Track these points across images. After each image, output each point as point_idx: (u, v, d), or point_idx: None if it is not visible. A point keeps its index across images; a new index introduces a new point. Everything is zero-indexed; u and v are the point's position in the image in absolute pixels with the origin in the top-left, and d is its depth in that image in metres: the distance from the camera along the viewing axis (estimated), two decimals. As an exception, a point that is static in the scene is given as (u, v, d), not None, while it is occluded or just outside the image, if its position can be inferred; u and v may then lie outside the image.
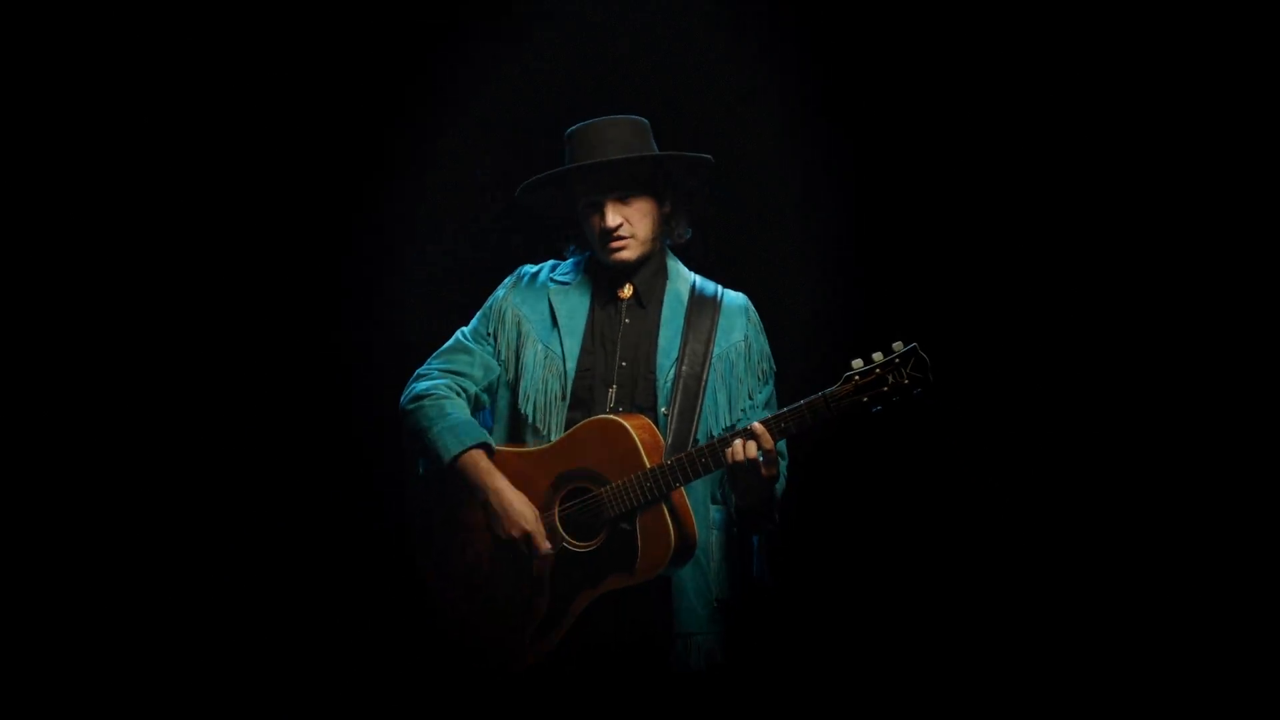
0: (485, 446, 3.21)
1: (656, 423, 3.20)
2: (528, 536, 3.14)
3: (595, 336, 3.30)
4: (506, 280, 3.42)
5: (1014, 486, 4.19)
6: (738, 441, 3.04)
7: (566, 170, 3.27)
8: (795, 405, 3.02)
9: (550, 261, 3.45)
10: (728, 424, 3.22)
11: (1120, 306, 4.17)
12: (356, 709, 4.33)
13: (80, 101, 4.37)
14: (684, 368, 3.25)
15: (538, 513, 3.16)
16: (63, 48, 4.36)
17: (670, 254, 3.38)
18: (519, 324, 3.34)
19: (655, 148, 3.31)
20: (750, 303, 3.38)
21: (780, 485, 3.23)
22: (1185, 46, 4.03)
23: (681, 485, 3.10)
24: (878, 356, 2.99)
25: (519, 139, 4.16)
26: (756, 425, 3.03)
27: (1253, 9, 3.95)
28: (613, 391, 3.26)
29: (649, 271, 3.31)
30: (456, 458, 3.19)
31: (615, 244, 3.23)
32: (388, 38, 4.36)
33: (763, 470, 3.04)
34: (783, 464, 3.25)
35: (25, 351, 4.41)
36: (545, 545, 3.14)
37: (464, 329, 3.40)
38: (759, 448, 3.01)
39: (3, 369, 4.38)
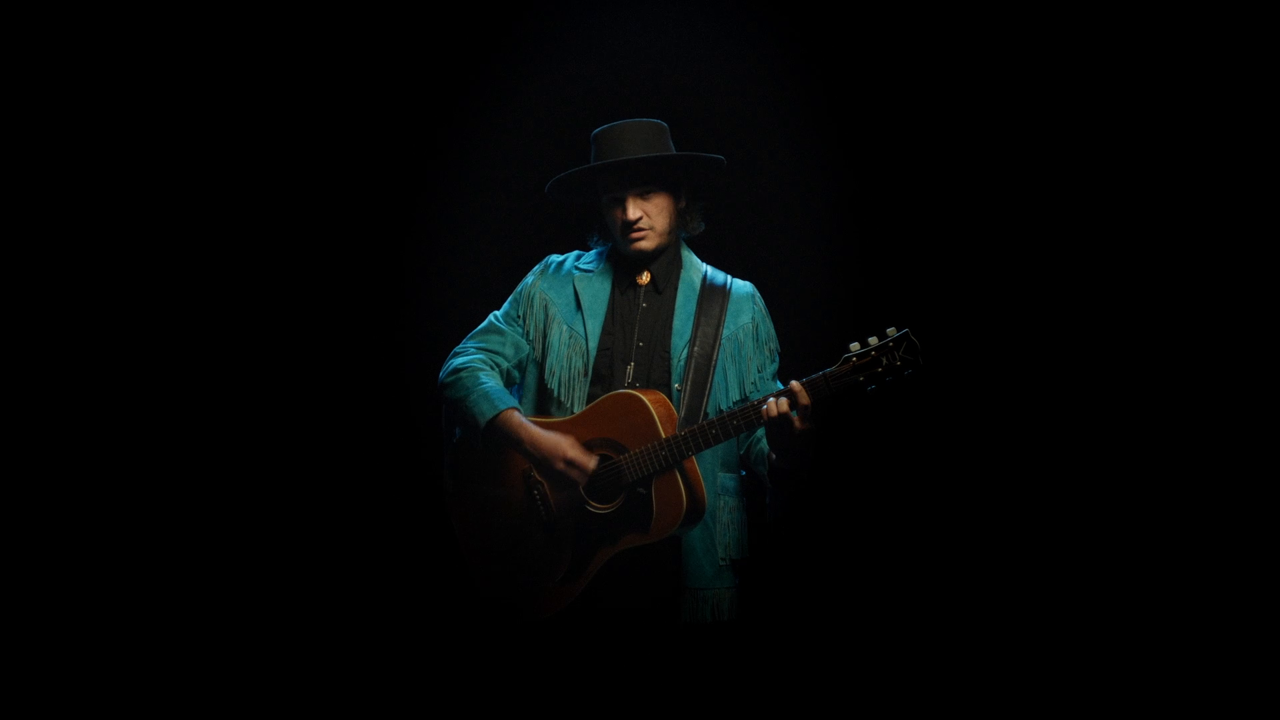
0: (516, 410, 3.35)
1: (670, 397, 3.34)
2: (571, 461, 3.26)
3: (615, 319, 3.43)
4: (535, 268, 3.56)
5: (1003, 462, 4.27)
6: (771, 400, 3.14)
7: (593, 168, 3.40)
8: (807, 379, 3.14)
9: (575, 251, 3.58)
10: (736, 399, 3.35)
11: (1105, 293, 4.25)
12: (394, 653, 4.41)
13: (148, 106, 4.48)
14: (696, 348, 3.38)
15: (573, 440, 3.28)
16: (131, 53, 4.44)
17: (685, 246, 3.52)
18: (546, 307, 3.48)
19: (673, 148, 3.45)
20: (757, 290, 3.51)
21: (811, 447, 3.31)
22: (1163, 35, 4.09)
23: (693, 454, 3.23)
24: (873, 340, 3.13)
25: (550, 140, 4.21)
26: (795, 384, 3.12)
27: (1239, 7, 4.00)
28: (631, 369, 3.40)
29: (665, 261, 3.45)
30: (492, 419, 3.32)
31: (635, 235, 3.37)
32: (443, 55, 4.46)
33: (797, 425, 3.14)
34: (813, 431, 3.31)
35: (87, 337, 4.49)
36: (589, 463, 3.26)
37: (496, 312, 3.54)
38: (795, 403, 3.12)
39: (48, 368, 4.43)
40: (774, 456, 3.30)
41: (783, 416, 3.13)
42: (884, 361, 3.10)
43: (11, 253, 4.43)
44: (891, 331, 3.12)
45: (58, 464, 4.45)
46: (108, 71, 4.44)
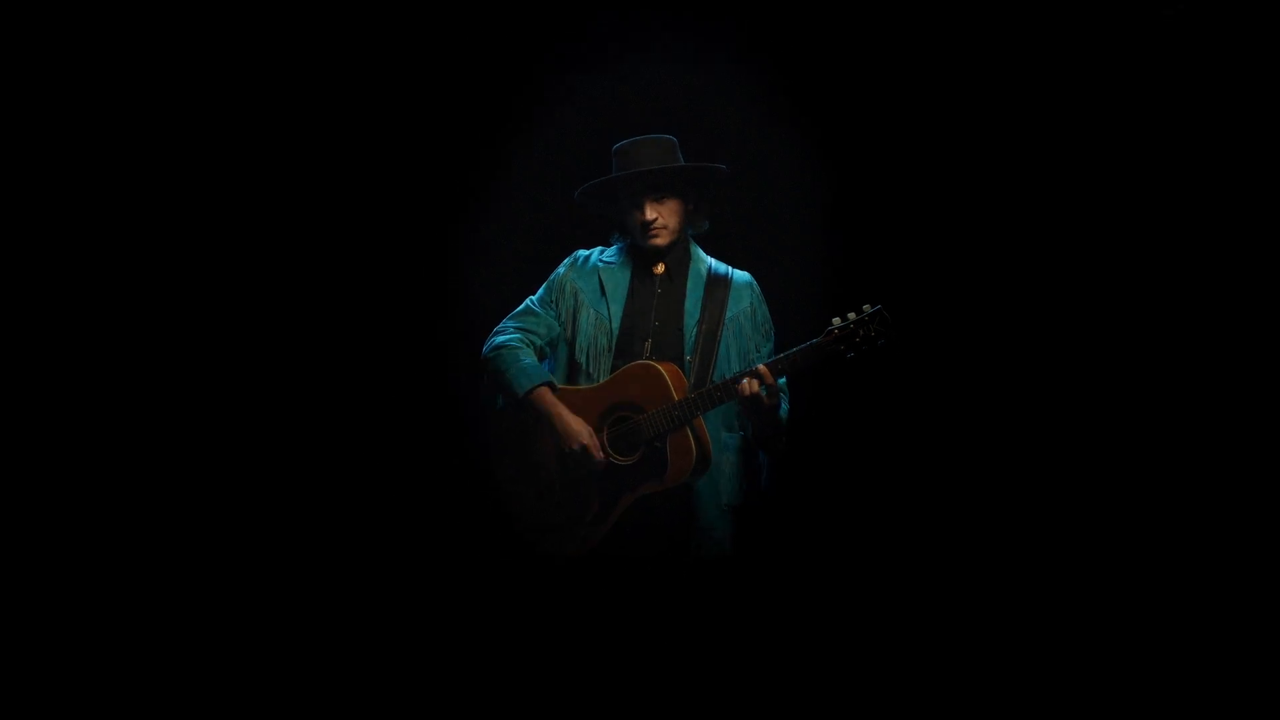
0: (550, 384, 3.62)
1: (682, 368, 3.62)
2: (584, 448, 3.55)
3: (635, 303, 3.70)
4: (566, 260, 3.82)
5: (979, 423, 4.44)
6: (745, 379, 3.42)
7: (615, 178, 3.69)
8: (789, 352, 3.45)
9: (599, 247, 3.84)
10: (737, 369, 3.59)
11: (1073, 275, 4.38)
12: (442, 591, 4.58)
13: (203, 109, 4.59)
14: (704, 327, 3.65)
15: (592, 430, 3.57)
16: (175, 55, 4.54)
17: (693, 242, 3.79)
18: (575, 294, 3.75)
19: (682, 159, 3.72)
20: (754, 279, 3.78)
21: (784, 413, 3.60)
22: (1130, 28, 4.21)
23: (701, 414, 3.52)
24: (852, 315, 3.40)
25: (577, 152, 4.37)
26: (760, 366, 3.44)
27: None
28: (648, 344, 3.67)
29: (677, 254, 3.73)
30: (529, 392, 3.61)
31: (652, 233, 3.66)
32: (490, 80, 4.66)
33: (765, 401, 3.45)
34: (784, 398, 3.62)
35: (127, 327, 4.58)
36: (598, 455, 3.56)
37: (532, 297, 3.80)
38: (762, 384, 3.43)
39: (77, 366, 4.52)
40: (744, 430, 3.60)
41: (754, 395, 3.42)
42: (861, 333, 3.37)
43: (66, 248, 4.50)
44: (867, 308, 3.39)
45: (94, 450, 4.52)
46: (170, 83, 4.54)
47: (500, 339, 3.74)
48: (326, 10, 4.56)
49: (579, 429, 3.59)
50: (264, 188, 4.68)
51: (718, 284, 3.74)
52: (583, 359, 3.71)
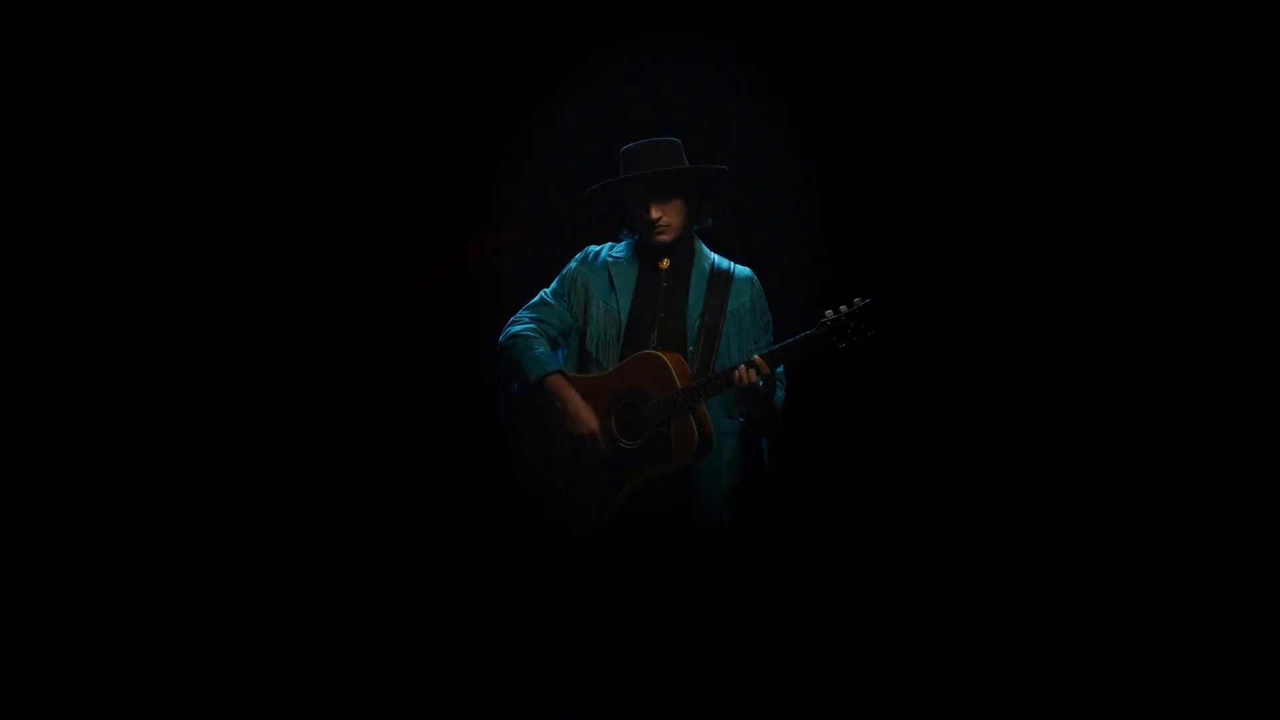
0: (562, 372, 3.73)
1: (686, 358, 3.71)
2: (592, 435, 3.67)
3: (642, 296, 3.79)
4: (577, 256, 3.91)
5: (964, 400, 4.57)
6: (742, 367, 3.53)
7: (622, 180, 3.80)
8: (784, 342, 3.57)
9: (608, 243, 3.93)
10: (738, 359, 3.64)
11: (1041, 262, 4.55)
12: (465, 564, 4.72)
13: (238, 109, 4.76)
14: (706, 319, 3.75)
15: (598, 419, 3.67)
16: (211, 58, 4.70)
17: (697, 238, 3.87)
18: (586, 287, 3.84)
19: (686, 160, 3.82)
20: (754, 274, 3.86)
21: (779, 400, 3.70)
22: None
23: (703, 401, 3.63)
24: (843, 309, 3.50)
25: (587, 154, 4.44)
26: (758, 356, 3.54)
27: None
28: (655, 335, 3.77)
29: (682, 250, 3.82)
30: (542, 379, 3.71)
31: (658, 230, 3.76)
32: (499, 94, 4.82)
33: (763, 388, 3.55)
34: (780, 386, 3.72)
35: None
36: (602, 444, 3.68)
37: (545, 290, 3.89)
38: (760, 372, 3.53)
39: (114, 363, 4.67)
40: (743, 416, 3.68)
41: (752, 383, 3.52)
42: (852, 325, 3.48)
43: (89, 246, 4.65)
44: (857, 301, 3.49)
45: (120, 433, 4.67)
46: (204, 92, 4.70)
47: (516, 329, 3.85)
48: (340, 19, 4.71)
49: (587, 417, 3.70)
50: (283, 188, 4.85)
51: (720, 279, 3.83)
52: (593, 348, 3.81)
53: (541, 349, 3.79)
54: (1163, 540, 4.33)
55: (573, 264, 3.94)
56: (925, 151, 4.61)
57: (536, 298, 3.93)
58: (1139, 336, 4.40)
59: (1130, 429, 4.39)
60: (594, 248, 3.96)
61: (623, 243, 3.94)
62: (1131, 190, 4.40)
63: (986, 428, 4.56)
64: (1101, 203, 4.44)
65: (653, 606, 3.72)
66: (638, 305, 3.82)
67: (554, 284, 3.94)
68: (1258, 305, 4.27)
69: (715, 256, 3.90)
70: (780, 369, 3.73)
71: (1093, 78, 4.38)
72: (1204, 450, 4.31)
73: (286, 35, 4.70)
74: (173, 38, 4.63)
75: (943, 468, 4.61)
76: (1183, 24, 4.16)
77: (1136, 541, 4.37)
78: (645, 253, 3.87)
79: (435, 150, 4.84)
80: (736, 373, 3.56)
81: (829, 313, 3.55)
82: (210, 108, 4.72)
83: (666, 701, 3.73)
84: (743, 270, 3.88)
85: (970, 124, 4.54)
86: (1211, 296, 4.33)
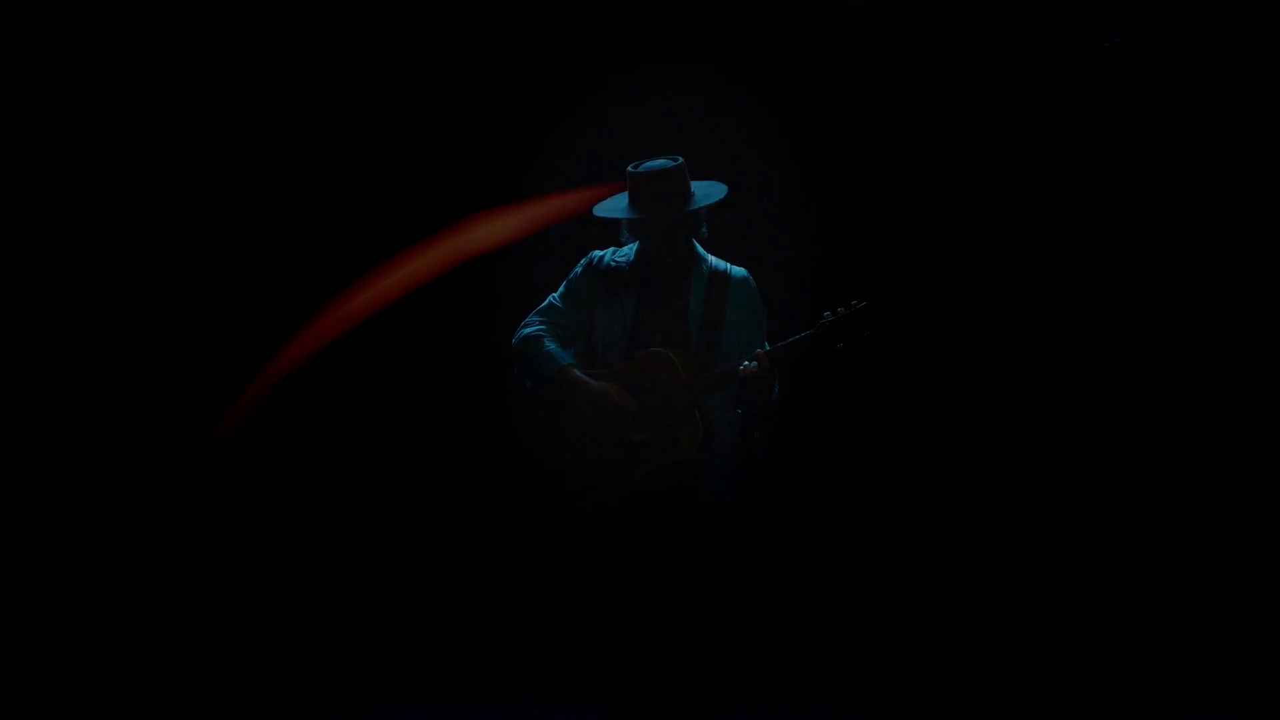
0: (574, 367, 3.85)
1: (689, 356, 3.84)
2: (617, 391, 3.77)
3: (645, 298, 3.91)
4: (582, 260, 4.02)
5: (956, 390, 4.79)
6: (744, 366, 3.68)
7: (629, 220, 3.92)
8: (784, 342, 3.71)
9: (612, 248, 4.04)
10: (737, 357, 3.80)
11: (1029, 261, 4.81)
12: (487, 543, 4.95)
13: (256, 110, 5.00)
14: (707, 319, 3.87)
15: (616, 386, 3.78)
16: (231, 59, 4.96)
17: (697, 244, 3.98)
18: (592, 291, 3.95)
19: (688, 177, 3.90)
20: (751, 276, 3.97)
21: (776, 394, 3.81)
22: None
23: (705, 396, 3.77)
24: (841, 310, 3.64)
25: (593, 171, 4.72)
26: (758, 353, 3.70)
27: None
28: (658, 335, 3.89)
29: (682, 254, 3.93)
30: (557, 372, 3.84)
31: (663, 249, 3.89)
32: (527, 113, 5.05)
33: (761, 384, 3.69)
34: (777, 383, 3.81)
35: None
36: (627, 400, 3.78)
37: (554, 294, 4.01)
38: (759, 369, 3.68)
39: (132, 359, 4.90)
40: (740, 409, 3.82)
41: (752, 376, 3.66)
42: (850, 326, 3.64)
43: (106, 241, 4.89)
44: (855, 303, 3.65)
45: (136, 421, 4.90)
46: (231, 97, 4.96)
47: (527, 330, 3.99)
48: (359, 29, 5.00)
49: (604, 389, 3.84)
50: (283, 188, 5.09)
51: (719, 281, 3.95)
52: (600, 349, 3.96)
53: (552, 346, 3.92)
54: (1156, 533, 4.56)
55: (578, 269, 4.04)
56: (920, 160, 4.84)
57: (545, 302, 4.04)
58: (1132, 336, 4.60)
59: (1123, 425, 4.59)
60: (598, 252, 4.06)
61: (626, 247, 4.04)
62: (1115, 197, 4.61)
63: (986, 427, 4.78)
64: (1087, 208, 4.65)
65: (659, 586, 3.85)
66: (642, 307, 3.93)
67: (561, 288, 4.05)
68: (1254, 305, 4.49)
69: (713, 259, 4.00)
70: (778, 367, 3.85)
71: (1072, 93, 4.58)
72: (1204, 450, 4.51)
73: (288, 37, 5.01)
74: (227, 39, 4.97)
75: (938, 461, 4.85)
76: (1149, 44, 4.37)
77: (1121, 527, 4.59)
78: (648, 257, 3.99)
79: (450, 164, 5.14)
80: (739, 370, 3.71)
81: (827, 314, 3.69)
82: (210, 108, 5.03)
83: (670, 679, 3.85)
84: (739, 271, 3.98)
85: (961, 134, 4.76)
86: (1203, 297, 4.54)
